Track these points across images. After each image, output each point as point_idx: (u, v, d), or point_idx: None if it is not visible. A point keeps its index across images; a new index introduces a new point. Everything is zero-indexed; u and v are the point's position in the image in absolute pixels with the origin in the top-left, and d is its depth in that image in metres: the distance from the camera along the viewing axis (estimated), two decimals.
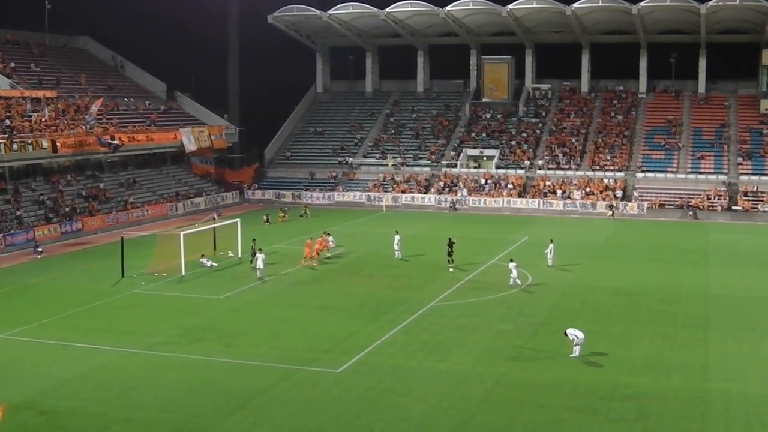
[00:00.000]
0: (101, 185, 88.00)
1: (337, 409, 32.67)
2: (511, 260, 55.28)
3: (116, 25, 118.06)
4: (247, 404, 33.02)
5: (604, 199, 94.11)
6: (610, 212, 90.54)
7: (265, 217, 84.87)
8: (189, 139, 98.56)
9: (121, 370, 37.46)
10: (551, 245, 61.37)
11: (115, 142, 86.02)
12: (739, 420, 31.73)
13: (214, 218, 74.50)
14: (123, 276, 57.33)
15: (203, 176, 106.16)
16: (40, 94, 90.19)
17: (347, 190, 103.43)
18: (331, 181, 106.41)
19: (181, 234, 59.00)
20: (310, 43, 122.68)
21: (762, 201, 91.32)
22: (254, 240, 62.28)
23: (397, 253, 64.25)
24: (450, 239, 61.76)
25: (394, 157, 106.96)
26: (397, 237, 65.00)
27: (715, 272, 60.85)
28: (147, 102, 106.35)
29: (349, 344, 41.24)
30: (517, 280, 54.37)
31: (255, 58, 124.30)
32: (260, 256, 57.03)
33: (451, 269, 59.11)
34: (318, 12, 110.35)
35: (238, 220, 67.95)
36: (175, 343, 41.63)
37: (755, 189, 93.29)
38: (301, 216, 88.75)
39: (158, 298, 52.01)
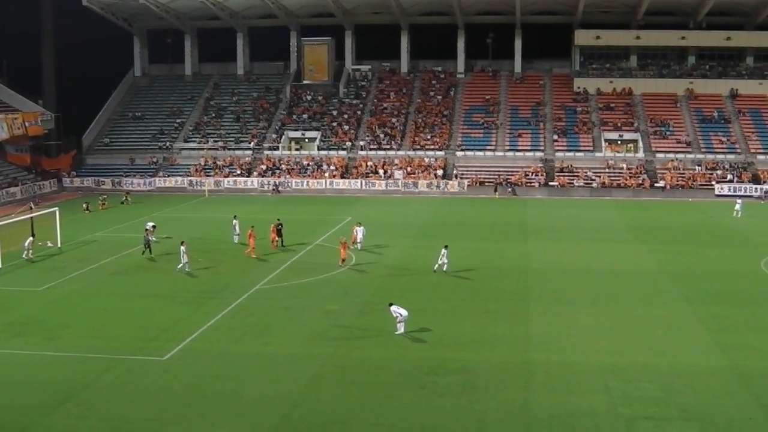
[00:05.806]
0: None
1: (166, 397, 32.29)
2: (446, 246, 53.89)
3: None
4: (73, 398, 32.25)
5: (425, 178, 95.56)
6: (496, 193, 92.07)
7: (84, 206, 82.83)
8: (1, 127, 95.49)
9: None
10: (360, 228, 61.10)
11: None
12: (560, 389, 32.83)
13: (31, 208, 72.28)
14: None
15: (19, 165, 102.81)
16: None
17: (169, 176, 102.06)
18: (152, 166, 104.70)
19: None
20: (127, 26, 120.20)
21: (577, 176, 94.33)
22: (147, 230, 60.90)
23: (235, 237, 63.80)
24: (278, 221, 62.21)
25: (215, 141, 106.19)
26: (235, 221, 64.54)
27: (534, 247, 62.66)
28: None
29: (175, 331, 40.71)
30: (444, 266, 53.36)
31: (71, 42, 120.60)
32: (182, 249, 54.56)
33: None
34: None
35: (56, 209, 66.33)
36: None
37: (570, 165, 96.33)
38: (122, 203, 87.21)
39: None
